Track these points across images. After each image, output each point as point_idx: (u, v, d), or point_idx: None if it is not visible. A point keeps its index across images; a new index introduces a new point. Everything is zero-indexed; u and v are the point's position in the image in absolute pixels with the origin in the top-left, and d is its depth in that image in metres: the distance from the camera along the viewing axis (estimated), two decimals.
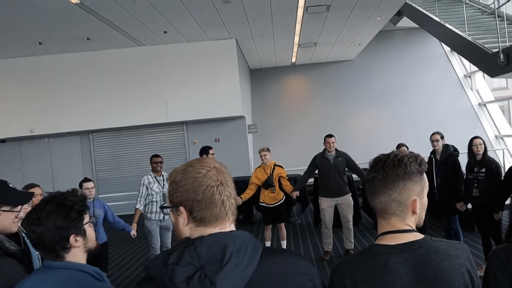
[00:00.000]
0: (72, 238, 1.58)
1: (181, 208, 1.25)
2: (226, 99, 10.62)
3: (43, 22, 8.17)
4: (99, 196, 11.07)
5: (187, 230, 1.26)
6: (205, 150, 6.26)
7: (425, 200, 1.46)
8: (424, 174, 1.45)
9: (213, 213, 1.24)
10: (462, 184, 5.41)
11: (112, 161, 11.59)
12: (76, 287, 1.50)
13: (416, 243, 1.39)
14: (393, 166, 1.41)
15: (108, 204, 5.21)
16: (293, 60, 13.77)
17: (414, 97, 14.01)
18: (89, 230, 1.67)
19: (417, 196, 1.42)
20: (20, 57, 10.39)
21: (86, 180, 4.96)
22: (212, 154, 6.25)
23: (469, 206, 5.49)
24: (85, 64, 10.54)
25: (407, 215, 1.42)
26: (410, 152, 1.50)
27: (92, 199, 4.82)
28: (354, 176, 7.80)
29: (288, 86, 14.89)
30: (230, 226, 1.27)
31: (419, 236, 1.42)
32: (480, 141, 5.01)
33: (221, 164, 1.33)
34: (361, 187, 8.25)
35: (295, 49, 12.24)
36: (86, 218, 1.67)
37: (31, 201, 2.03)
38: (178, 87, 10.62)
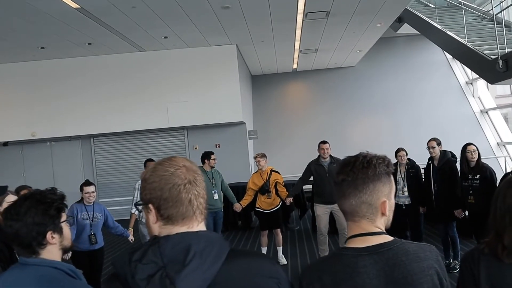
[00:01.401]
0: (49, 235, 1.60)
1: (150, 206, 1.25)
2: (227, 104, 10.64)
3: (45, 27, 8.25)
4: (100, 200, 11.11)
5: (157, 228, 1.26)
6: (207, 155, 6.28)
7: (393, 201, 1.46)
8: (392, 175, 1.45)
9: (179, 211, 1.23)
10: (460, 191, 5.38)
11: (113, 165, 11.62)
12: (49, 284, 1.50)
13: (385, 245, 1.38)
14: (362, 168, 1.39)
15: (109, 208, 5.22)
16: (294, 66, 13.80)
17: (415, 104, 13.98)
18: (66, 228, 1.68)
19: (386, 197, 1.41)
20: (23, 62, 10.48)
21: (87, 183, 4.90)
22: (214, 159, 6.27)
23: (467, 213, 5.46)
24: (86, 69, 10.62)
25: (377, 217, 1.41)
26: (381, 154, 1.49)
27: (92, 203, 4.81)
28: None
29: (289, 92, 14.92)
30: (198, 226, 1.27)
31: (388, 238, 1.41)
32: (474, 147, 4.99)
33: (192, 163, 1.32)
34: None
35: (296, 55, 12.28)
36: (64, 216, 1.68)
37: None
38: (178, 93, 10.66)
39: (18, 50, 9.68)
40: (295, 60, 12.97)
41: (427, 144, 5.53)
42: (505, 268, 1.61)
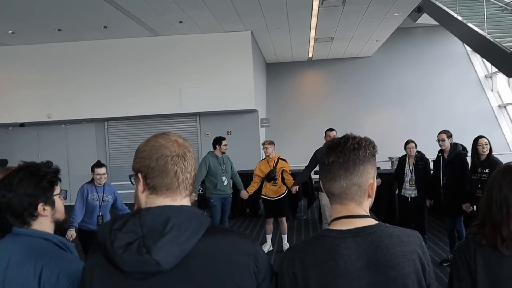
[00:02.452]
0: (40, 207, 1.63)
1: (139, 175, 1.29)
2: (239, 92, 10.62)
3: (62, 9, 8.32)
4: (112, 183, 11.26)
5: (143, 198, 1.30)
6: (218, 141, 6.30)
7: (375, 183, 1.46)
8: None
9: (164, 182, 1.26)
10: (469, 184, 5.29)
11: (126, 149, 11.73)
12: (38, 254, 1.53)
13: (369, 228, 1.37)
14: (353, 149, 1.38)
15: (120, 192, 5.29)
16: (310, 55, 13.68)
17: (431, 97, 13.75)
18: (59, 201, 1.71)
19: (373, 179, 1.42)
20: (40, 44, 10.60)
21: (99, 165, 4.91)
22: (225, 145, 6.29)
23: (475, 207, 5.38)
24: (102, 52, 10.69)
25: (364, 199, 1.41)
26: (364, 136, 1.47)
27: (103, 184, 4.87)
28: None
29: (304, 81, 14.80)
30: (181, 200, 1.29)
31: (373, 221, 1.40)
32: (486, 140, 4.89)
33: (185, 141, 1.35)
34: None
35: (311, 43, 12.16)
36: (57, 189, 1.71)
37: None
38: (192, 78, 10.67)
39: (35, 32, 9.80)
40: (311, 49, 12.85)
41: (437, 137, 5.45)
42: (503, 259, 1.60)
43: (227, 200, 6.29)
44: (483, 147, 4.87)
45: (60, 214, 1.71)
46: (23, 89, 10.77)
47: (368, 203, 1.43)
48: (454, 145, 5.36)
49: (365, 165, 1.39)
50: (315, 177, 8.19)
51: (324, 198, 6.14)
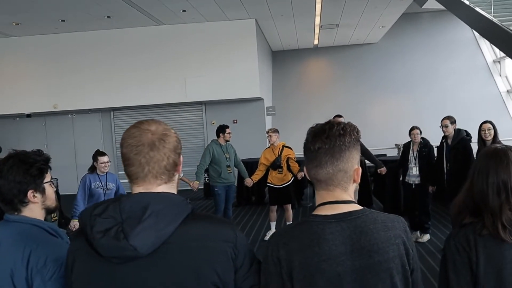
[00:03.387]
0: (30, 194, 1.65)
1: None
2: (244, 80, 10.59)
3: None
4: (119, 173, 11.36)
5: (130, 184, 1.34)
6: (222, 129, 6.29)
7: (360, 168, 1.46)
8: None
9: (132, 171, 1.29)
10: None
11: None
12: (27, 240, 1.56)
13: (354, 213, 1.37)
14: (339, 135, 1.37)
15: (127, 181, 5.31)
16: (315, 42, 13.56)
17: (439, 83, 13.59)
18: (49, 189, 1.73)
19: (357, 164, 1.42)
20: (45, 34, 10.65)
21: (102, 153, 4.92)
22: (229, 133, 6.28)
23: None
24: (106, 42, 10.71)
25: (349, 185, 1.41)
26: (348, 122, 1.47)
27: (105, 173, 4.91)
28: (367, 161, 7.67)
29: (310, 69, 14.71)
30: (158, 188, 1.30)
31: (357, 207, 1.40)
32: (489, 126, 4.84)
33: (164, 129, 1.33)
34: (370, 174, 8.10)
35: (316, 30, 12.05)
36: (48, 177, 1.73)
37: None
38: (197, 67, 10.66)
39: (40, 23, 9.83)
40: (316, 36, 12.74)
41: (440, 123, 5.40)
42: (504, 247, 1.57)
43: (231, 188, 6.30)
44: (485, 133, 4.82)
45: (51, 201, 1.74)
46: (29, 80, 10.84)
47: (353, 188, 1.43)
48: (458, 131, 5.31)
49: (351, 150, 1.39)
50: None
51: None
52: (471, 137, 5.31)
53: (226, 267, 1.26)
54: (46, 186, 1.72)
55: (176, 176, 1.38)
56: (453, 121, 5.34)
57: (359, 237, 1.33)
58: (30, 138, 11.48)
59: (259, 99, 11.43)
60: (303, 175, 6.36)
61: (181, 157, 1.38)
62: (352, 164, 1.40)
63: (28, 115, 11.46)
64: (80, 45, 10.71)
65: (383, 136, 12.72)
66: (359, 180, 1.44)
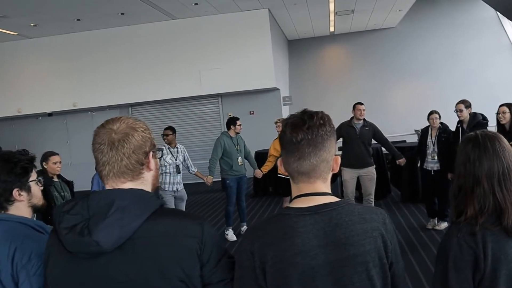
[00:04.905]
0: (15, 192, 1.69)
1: None
2: (259, 71, 10.54)
3: None
4: None
5: None
6: (232, 121, 6.28)
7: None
8: None
9: (98, 168, 1.32)
10: None
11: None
12: (12, 237, 1.59)
13: (329, 205, 1.34)
14: (320, 125, 1.35)
15: None
16: (332, 29, 13.35)
17: (462, 65, 13.19)
18: (35, 187, 1.77)
19: (334, 153, 1.39)
20: (61, 34, 10.84)
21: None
22: (240, 125, 6.26)
23: None
24: (121, 39, 10.83)
25: (329, 175, 1.39)
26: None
27: None
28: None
29: (327, 56, 14.51)
30: (126, 184, 1.31)
31: (334, 199, 1.37)
32: (505, 108, 4.64)
33: (129, 128, 1.32)
34: (388, 161, 7.96)
35: (331, 17, 11.85)
36: (33, 176, 1.76)
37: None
38: (211, 60, 10.66)
39: (56, 23, 10.00)
40: (332, 23, 12.53)
41: (455, 107, 5.23)
42: (510, 240, 1.46)
43: (243, 179, 6.28)
44: (501, 115, 4.64)
45: (37, 199, 1.77)
46: (49, 80, 11.08)
47: (330, 177, 1.41)
48: (474, 115, 5.14)
49: (331, 140, 1.37)
50: (338, 153, 8.11)
51: (346, 173, 6.04)
52: (487, 121, 5.13)
53: (191, 262, 1.26)
54: (32, 184, 1.75)
55: (147, 173, 1.36)
56: (468, 105, 5.17)
57: (334, 230, 1.30)
58: (52, 136, 11.76)
59: (275, 89, 11.36)
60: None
61: (151, 154, 1.36)
62: (332, 153, 1.38)
63: (50, 114, 11.73)
64: (95, 43, 10.87)
65: (404, 122, 12.48)
66: (337, 169, 1.41)
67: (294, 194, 1.40)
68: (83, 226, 1.21)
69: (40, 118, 12.06)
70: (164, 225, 1.27)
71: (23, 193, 1.71)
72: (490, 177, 1.51)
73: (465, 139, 1.62)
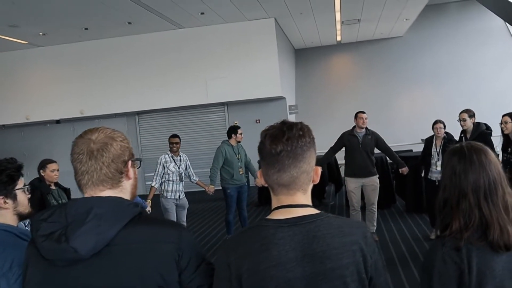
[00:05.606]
0: (0, 200, 1.71)
1: None
2: (265, 79, 10.56)
3: (87, 8, 8.57)
4: (145, 175, 11.59)
5: None
6: (233, 130, 6.28)
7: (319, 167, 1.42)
8: None
9: (76, 178, 1.33)
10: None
11: (157, 141, 11.99)
12: None
13: (308, 218, 1.32)
14: (299, 136, 1.34)
15: None
16: (338, 38, 13.36)
17: (470, 74, 13.11)
18: (21, 195, 1.78)
19: (314, 164, 1.38)
20: (69, 43, 10.98)
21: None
22: (241, 133, 6.26)
23: None
24: (128, 48, 10.93)
25: (309, 186, 1.38)
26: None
27: None
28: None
29: (334, 65, 14.50)
30: (104, 192, 1.32)
31: (313, 211, 1.35)
32: (507, 119, 4.60)
33: (108, 137, 1.34)
34: (393, 170, 7.90)
35: (338, 26, 11.86)
36: (20, 184, 1.78)
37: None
38: (217, 68, 10.71)
39: (64, 32, 10.14)
40: (338, 32, 12.54)
41: (458, 116, 5.19)
42: (496, 255, 1.43)
43: (243, 188, 6.26)
44: (503, 126, 4.59)
45: (23, 207, 1.78)
46: (57, 88, 11.22)
47: (310, 189, 1.39)
48: (477, 125, 5.09)
49: (311, 151, 1.36)
50: (341, 162, 8.06)
51: (350, 183, 6.00)
52: (491, 131, 5.08)
53: (169, 269, 1.27)
54: (18, 192, 1.76)
55: (126, 182, 1.37)
56: (471, 115, 5.12)
57: (311, 243, 1.28)
58: (60, 143, 11.84)
59: (281, 98, 11.37)
60: (321, 171, 6.24)
61: (129, 163, 1.37)
62: (312, 164, 1.37)
63: (57, 121, 11.85)
64: (103, 52, 10.98)
65: (411, 131, 12.40)
66: (317, 180, 1.40)
67: (273, 205, 1.39)
68: (61, 233, 1.22)
69: (48, 125, 12.18)
70: (141, 232, 1.28)
71: (9, 201, 1.73)
72: (476, 190, 1.48)
73: (451, 151, 1.60)
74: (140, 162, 1.48)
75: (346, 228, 1.32)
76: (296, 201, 1.35)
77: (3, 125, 11.84)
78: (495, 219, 1.44)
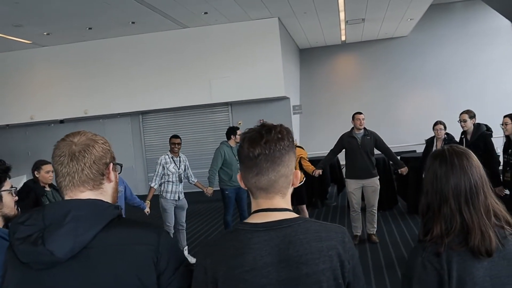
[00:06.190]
0: None
1: None
2: (269, 79, 10.53)
3: (91, 8, 8.59)
4: (148, 175, 11.62)
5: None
6: (232, 131, 6.26)
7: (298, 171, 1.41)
8: None
9: (57, 181, 1.34)
10: (498, 166, 4.98)
11: (160, 141, 12.00)
12: None
13: (285, 222, 1.31)
14: (278, 139, 1.32)
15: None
16: (343, 38, 13.30)
17: (477, 75, 12.98)
18: (7, 197, 1.78)
19: (294, 167, 1.36)
20: (73, 43, 11.02)
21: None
22: (239, 135, 6.25)
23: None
24: (131, 48, 10.95)
25: (288, 190, 1.36)
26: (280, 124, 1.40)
27: None
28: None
29: (338, 65, 14.44)
30: (83, 194, 1.32)
31: (291, 215, 1.34)
32: (507, 120, 4.55)
33: (89, 140, 1.35)
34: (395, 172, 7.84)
35: (342, 26, 11.81)
36: (7, 186, 1.78)
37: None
38: (221, 68, 10.70)
39: (68, 32, 10.18)
40: (343, 32, 12.48)
41: (459, 117, 5.14)
42: (477, 261, 1.41)
43: (242, 189, 6.21)
44: (503, 126, 4.54)
45: (9, 209, 1.78)
46: (61, 87, 11.27)
47: (290, 192, 1.38)
48: (477, 126, 5.04)
49: (290, 154, 1.35)
50: (344, 163, 8.04)
51: (350, 185, 5.98)
52: (491, 132, 5.03)
53: (147, 271, 1.27)
54: (4, 194, 1.76)
55: (107, 184, 1.37)
56: (472, 116, 5.07)
57: (287, 247, 1.27)
58: None
59: (284, 98, 11.34)
60: (320, 173, 6.23)
61: (111, 166, 1.38)
62: (292, 167, 1.35)
63: (61, 121, 11.91)
64: (107, 52, 11.02)
65: (416, 131, 12.29)
66: (297, 183, 1.39)
67: (253, 209, 1.38)
68: (38, 236, 1.22)
69: (52, 125, 12.25)
70: (120, 234, 1.28)
71: None
72: (457, 195, 1.45)
73: (432, 155, 1.58)
74: (121, 167, 1.48)
75: (324, 233, 1.31)
76: (275, 205, 1.34)
77: (8, 125, 11.91)
78: (476, 224, 1.41)
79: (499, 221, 1.45)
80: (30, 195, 3.82)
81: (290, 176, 1.34)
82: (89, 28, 10.10)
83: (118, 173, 1.44)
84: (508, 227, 1.45)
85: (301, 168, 6.14)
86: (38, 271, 1.24)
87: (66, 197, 1.32)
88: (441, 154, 1.53)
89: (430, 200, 1.50)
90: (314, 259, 1.26)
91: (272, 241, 1.28)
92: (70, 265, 1.23)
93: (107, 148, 1.39)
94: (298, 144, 6.25)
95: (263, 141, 1.31)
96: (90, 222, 1.24)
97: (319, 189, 8.38)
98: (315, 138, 12.68)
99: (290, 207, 1.37)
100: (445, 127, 5.87)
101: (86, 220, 1.24)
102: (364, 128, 5.95)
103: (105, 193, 1.36)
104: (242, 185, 1.38)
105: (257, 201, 1.36)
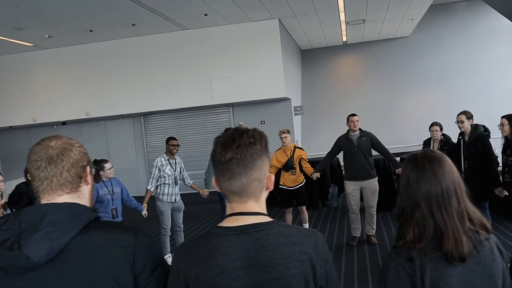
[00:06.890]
0: None
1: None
2: (270, 81, 10.54)
3: (92, 11, 8.65)
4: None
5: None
6: None
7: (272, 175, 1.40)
8: None
9: (35, 184, 1.33)
10: (497, 167, 4.96)
11: (162, 142, 11.93)
12: None
13: (258, 226, 1.31)
14: (250, 143, 1.32)
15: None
16: (344, 38, 13.28)
17: (479, 75, 12.93)
18: None
19: (268, 171, 1.36)
20: (75, 45, 11.09)
21: (106, 161, 5.06)
22: None
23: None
24: (132, 50, 10.99)
25: (262, 194, 1.36)
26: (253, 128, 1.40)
27: (109, 178, 5.01)
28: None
29: (340, 66, 14.42)
30: (62, 198, 1.33)
31: (265, 219, 1.34)
32: (504, 121, 4.52)
33: (66, 143, 1.36)
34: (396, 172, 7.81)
35: (343, 27, 11.80)
36: None
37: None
38: (222, 69, 10.72)
39: (69, 34, 10.24)
40: (344, 33, 12.47)
41: (456, 118, 5.12)
42: (451, 267, 1.40)
43: None
44: (501, 127, 4.51)
45: None
46: (63, 89, 11.34)
47: (265, 196, 1.38)
48: (475, 127, 5.01)
49: (263, 158, 1.34)
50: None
51: (348, 186, 5.99)
52: (489, 133, 5.00)
53: (124, 273, 1.27)
54: None
55: (84, 187, 1.38)
56: (469, 116, 5.05)
57: (258, 251, 1.27)
58: None
59: (286, 99, 11.34)
60: (318, 176, 6.24)
61: (88, 169, 1.39)
62: (265, 172, 1.35)
63: (64, 123, 11.97)
64: (108, 54, 11.07)
65: (417, 132, 12.22)
66: (272, 187, 1.39)
67: (227, 212, 1.38)
68: (14, 240, 1.22)
69: (55, 126, 12.31)
70: (96, 237, 1.29)
71: None
72: (428, 200, 1.44)
73: (406, 159, 1.57)
74: (95, 169, 1.49)
75: (296, 238, 1.31)
76: (248, 209, 1.34)
77: (11, 127, 11.99)
78: (450, 229, 1.40)
79: (474, 225, 1.44)
80: (23, 199, 3.83)
81: (264, 180, 1.34)
82: (90, 31, 10.15)
83: (93, 174, 1.44)
84: (483, 232, 1.44)
85: (301, 169, 6.14)
86: (15, 276, 1.24)
87: (43, 201, 1.33)
88: (414, 159, 1.53)
89: (404, 204, 1.50)
90: (285, 263, 1.26)
91: (243, 245, 1.28)
92: (48, 268, 1.23)
93: (84, 151, 1.40)
94: (298, 145, 6.24)
95: (234, 145, 1.31)
96: (67, 226, 1.25)
97: (320, 190, 8.37)
98: (317, 139, 12.67)
99: (264, 211, 1.37)
100: (441, 129, 5.86)
101: (62, 223, 1.25)
102: (360, 129, 5.96)
103: (82, 196, 1.37)
104: (217, 189, 1.39)
105: (231, 205, 1.36)
